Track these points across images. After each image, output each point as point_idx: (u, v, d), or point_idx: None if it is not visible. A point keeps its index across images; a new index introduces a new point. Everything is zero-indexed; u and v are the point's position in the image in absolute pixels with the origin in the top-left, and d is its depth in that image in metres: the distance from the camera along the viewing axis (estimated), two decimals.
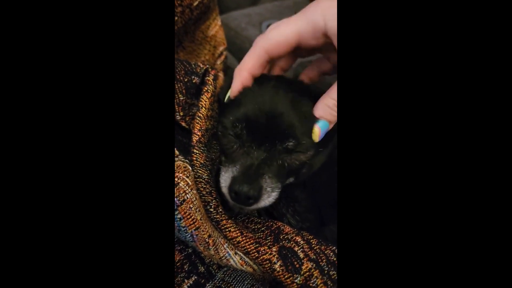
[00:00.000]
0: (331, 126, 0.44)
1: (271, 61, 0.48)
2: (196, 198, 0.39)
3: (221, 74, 0.57)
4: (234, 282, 0.49)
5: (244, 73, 0.45)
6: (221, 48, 0.72)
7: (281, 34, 0.42)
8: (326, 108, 0.42)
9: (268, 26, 1.09)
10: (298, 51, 0.47)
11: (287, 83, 0.48)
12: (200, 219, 0.37)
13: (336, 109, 0.42)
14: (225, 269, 0.49)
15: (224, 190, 0.42)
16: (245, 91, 0.47)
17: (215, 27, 0.71)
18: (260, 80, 0.47)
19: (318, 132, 0.43)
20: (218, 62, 0.71)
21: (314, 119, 0.44)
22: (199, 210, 0.38)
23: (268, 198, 0.42)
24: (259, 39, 0.44)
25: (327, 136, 0.47)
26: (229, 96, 0.51)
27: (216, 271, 0.49)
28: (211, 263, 0.49)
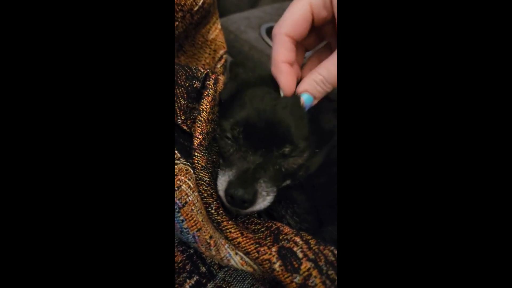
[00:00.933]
0: (315, 101, 0.44)
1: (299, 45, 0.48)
2: (198, 200, 0.40)
3: (221, 78, 0.58)
4: (235, 282, 0.50)
5: (281, 65, 0.44)
6: (221, 52, 0.73)
7: (295, 12, 0.42)
8: (312, 82, 0.42)
9: (267, 28, 1.10)
10: (316, 31, 0.47)
11: None
12: (202, 221, 0.38)
13: (322, 85, 0.42)
14: (226, 269, 0.50)
15: (221, 193, 0.43)
16: (244, 93, 0.48)
17: (215, 31, 0.72)
18: (260, 82, 0.48)
19: (303, 103, 0.44)
20: (218, 65, 0.72)
21: (313, 125, 0.44)
22: (201, 212, 0.39)
23: (263, 202, 0.43)
24: (276, 28, 0.44)
25: (323, 137, 0.48)
26: (227, 96, 0.51)
27: (217, 271, 0.50)
28: (212, 263, 0.50)
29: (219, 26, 0.73)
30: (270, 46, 1.00)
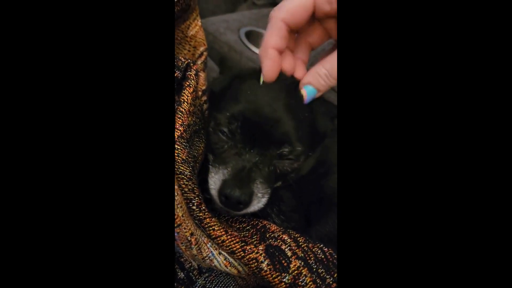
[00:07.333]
0: (319, 94, 0.44)
1: (296, 34, 0.46)
2: (177, 193, 0.36)
3: (202, 74, 0.55)
4: None
5: (270, 51, 0.41)
6: (201, 49, 0.70)
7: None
8: (316, 75, 0.42)
9: (246, 32, 1.10)
10: (321, 27, 0.46)
11: (288, 85, 0.45)
12: (182, 216, 0.34)
13: (326, 79, 0.42)
14: (207, 274, 0.46)
15: (214, 192, 0.40)
16: (238, 86, 0.45)
17: (195, 28, 0.70)
18: (253, 76, 0.45)
19: (305, 95, 0.43)
20: (199, 62, 0.69)
21: (309, 128, 0.43)
22: (181, 207, 0.35)
23: (258, 203, 0.41)
24: (274, 11, 0.42)
25: (317, 140, 0.47)
26: (219, 89, 0.49)
27: (196, 277, 0.46)
28: (191, 268, 0.46)
29: (199, 23, 0.70)
30: (249, 49, 0.99)
